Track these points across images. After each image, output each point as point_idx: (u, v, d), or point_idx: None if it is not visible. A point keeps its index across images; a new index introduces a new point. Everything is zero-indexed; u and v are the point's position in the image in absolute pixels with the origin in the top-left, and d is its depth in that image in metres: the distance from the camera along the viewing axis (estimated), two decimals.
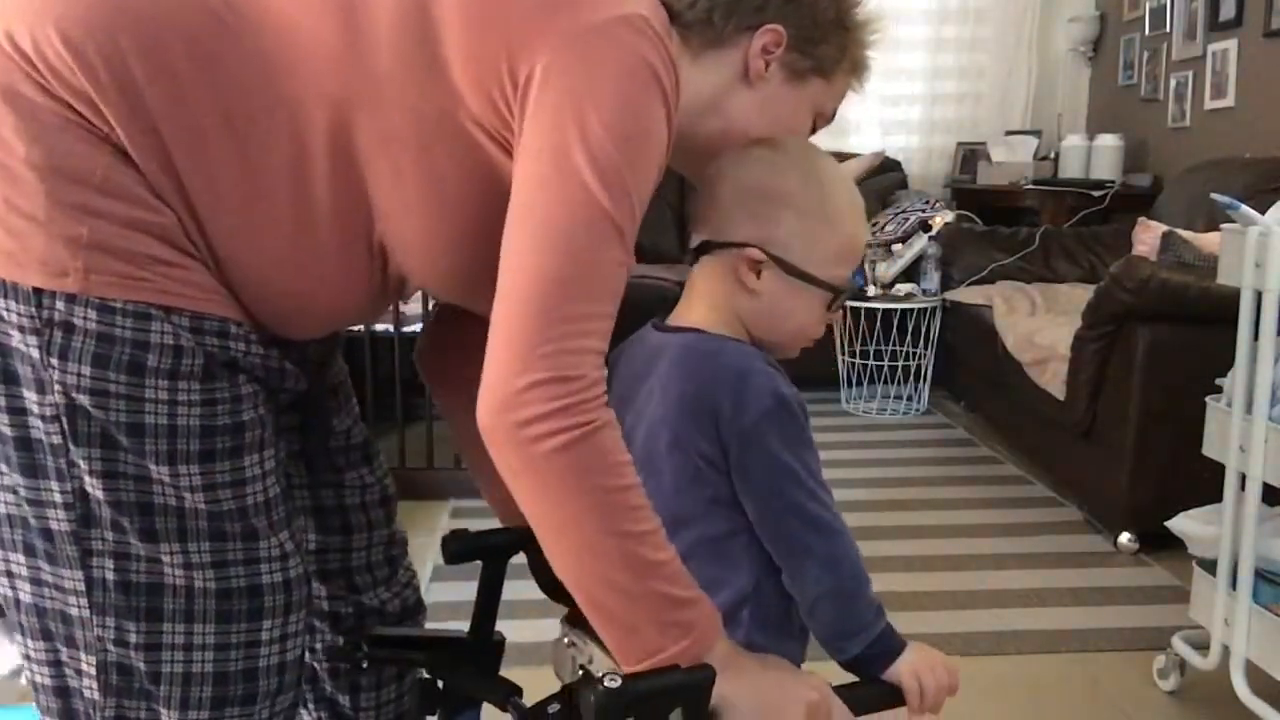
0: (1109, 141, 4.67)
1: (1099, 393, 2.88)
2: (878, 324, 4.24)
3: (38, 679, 0.95)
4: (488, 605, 1.15)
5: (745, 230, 1.03)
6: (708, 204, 1.06)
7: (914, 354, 4.26)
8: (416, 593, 1.25)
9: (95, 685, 0.91)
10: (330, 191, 0.91)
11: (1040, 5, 5.16)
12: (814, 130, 1.10)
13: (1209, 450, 1.92)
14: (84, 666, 0.92)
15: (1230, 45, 4.06)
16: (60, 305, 0.85)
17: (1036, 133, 5.04)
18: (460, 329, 1.18)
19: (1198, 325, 2.55)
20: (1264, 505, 1.80)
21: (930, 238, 4.33)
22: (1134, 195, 4.46)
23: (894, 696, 0.97)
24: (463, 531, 1.11)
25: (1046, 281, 4.14)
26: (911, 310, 4.23)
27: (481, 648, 1.15)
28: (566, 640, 1.03)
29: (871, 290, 4.25)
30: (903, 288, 4.28)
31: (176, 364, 0.88)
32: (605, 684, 0.81)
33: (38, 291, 0.85)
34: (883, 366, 4.27)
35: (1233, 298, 1.84)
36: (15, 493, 0.90)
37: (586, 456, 0.83)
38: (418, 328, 3.27)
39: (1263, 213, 1.77)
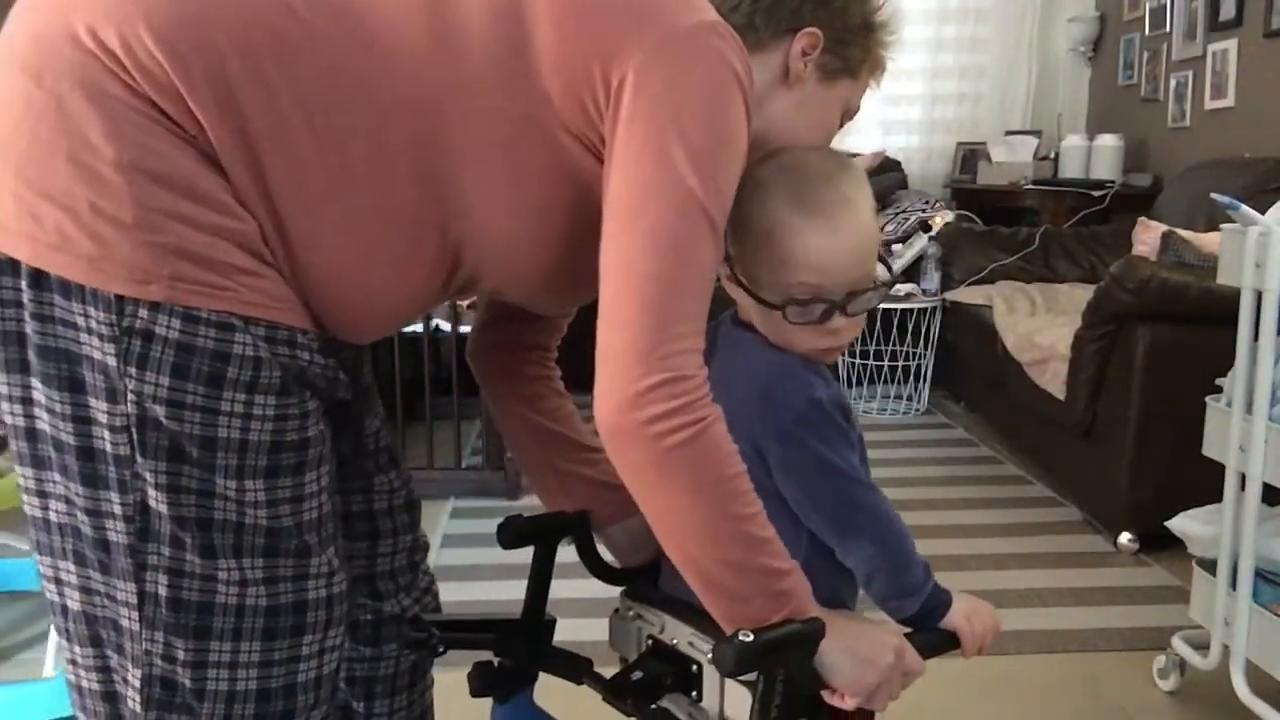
0: (1109, 141, 4.67)
1: (1099, 393, 2.88)
2: (878, 324, 4.24)
3: (84, 684, 0.93)
4: (540, 587, 1.19)
5: (730, 253, 1.04)
6: None
7: (914, 354, 4.27)
8: (436, 598, 1.25)
9: (138, 698, 0.91)
10: (411, 191, 0.90)
11: (1040, 5, 5.15)
12: (840, 125, 1.14)
13: (1209, 450, 1.92)
14: (129, 677, 0.91)
15: (1230, 45, 4.06)
16: (143, 313, 0.83)
17: (1036, 133, 5.04)
18: (513, 330, 1.21)
19: (1198, 325, 2.55)
20: (1264, 505, 1.80)
21: (930, 238, 4.33)
22: (1134, 195, 4.46)
23: (952, 640, 1.05)
24: (516, 517, 1.16)
25: (1046, 281, 4.15)
26: (911, 310, 4.23)
27: (537, 629, 1.19)
28: (632, 613, 1.10)
29: None
30: (903, 288, 4.28)
31: (255, 376, 0.86)
32: (739, 639, 0.88)
33: (120, 299, 0.82)
34: (883, 366, 4.27)
35: (1233, 298, 1.84)
36: (69, 502, 0.88)
37: (705, 449, 0.88)
38: (418, 327, 3.27)
39: (1263, 213, 1.77)
